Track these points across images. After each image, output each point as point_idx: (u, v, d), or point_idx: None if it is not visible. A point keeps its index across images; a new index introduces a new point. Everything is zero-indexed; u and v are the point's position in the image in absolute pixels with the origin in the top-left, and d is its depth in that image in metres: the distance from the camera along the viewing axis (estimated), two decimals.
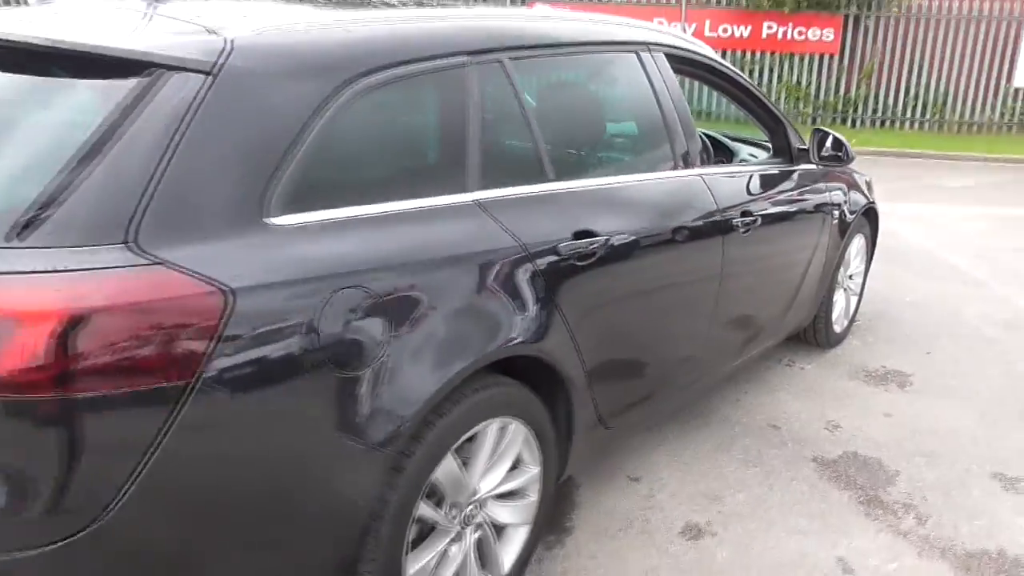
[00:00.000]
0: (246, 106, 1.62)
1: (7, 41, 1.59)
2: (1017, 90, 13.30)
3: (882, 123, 13.67)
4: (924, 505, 2.83)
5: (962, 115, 13.47)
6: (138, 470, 1.42)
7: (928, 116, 13.49)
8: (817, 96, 13.69)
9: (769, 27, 13.43)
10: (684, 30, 13.32)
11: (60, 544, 1.39)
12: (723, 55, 13.49)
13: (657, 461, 3.04)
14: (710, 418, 3.39)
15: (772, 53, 13.58)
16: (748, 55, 13.67)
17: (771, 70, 13.64)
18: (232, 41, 1.66)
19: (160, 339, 1.41)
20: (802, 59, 13.55)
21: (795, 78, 13.64)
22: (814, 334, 4.09)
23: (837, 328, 4.20)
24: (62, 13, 1.97)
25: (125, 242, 1.43)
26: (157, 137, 1.51)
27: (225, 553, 1.60)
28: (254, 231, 1.58)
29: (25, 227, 1.42)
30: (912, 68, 13.40)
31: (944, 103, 13.41)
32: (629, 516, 2.70)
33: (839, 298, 4.16)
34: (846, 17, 13.23)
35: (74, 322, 1.35)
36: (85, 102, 1.60)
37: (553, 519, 2.60)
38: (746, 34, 13.56)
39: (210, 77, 1.59)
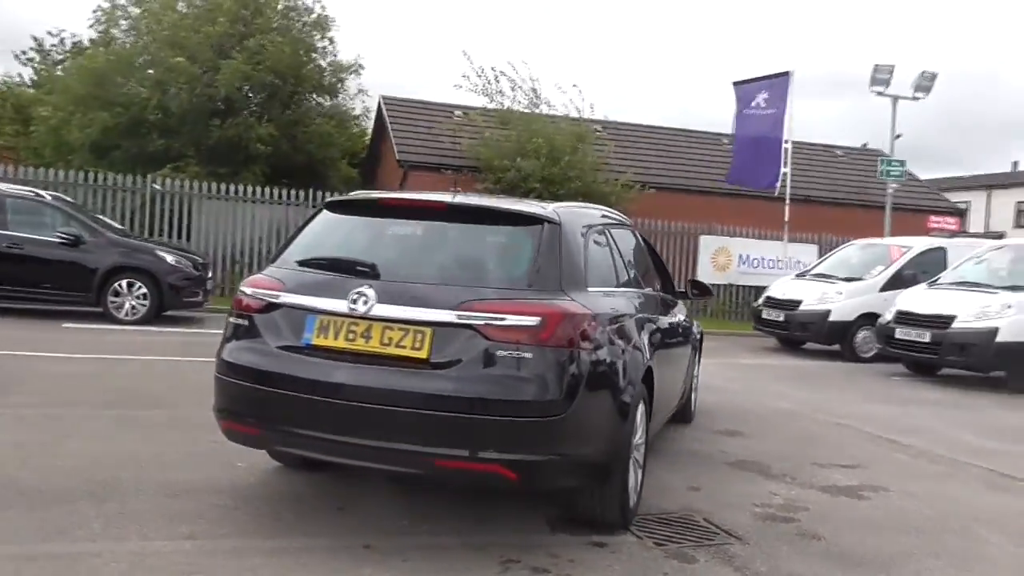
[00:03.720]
0: (567, 238, 3.68)
1: (480, 206, 3.65)
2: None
3: None
4: (792, 474, 5.20)
5: None
6: (579, 384, 3.30)
7: None
8: None
9: None
10: None
11: (560, 416, 3.22)
12: None
13: (654, 470, 5.08)
14: (658, 454, 5.54)
15: None
16: None
17: None
18: (556, 211, 3.75)
19: (573, 327, 3.35)
20: None
21: None
22: (682, 413, 6.48)
23: (692, 409, 6.67)
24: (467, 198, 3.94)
25: (561, 291, 3.41)
26: (552, 249, 3.54)
27: (603, 423, 3.50)
28: (584, 291, 3.60)
29: (528, 285, 3.39)
30: None
31: None
32: (654, 485, 4.71)
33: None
34: None
35: (556, 319, 3.28)
36: (520, 232, 3.62)
37: None
38: None
39: (556, 225, 3.65)
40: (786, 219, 15.83)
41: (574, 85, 34.53)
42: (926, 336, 10.14)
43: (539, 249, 3.54)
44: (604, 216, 4.61)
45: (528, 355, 3.22)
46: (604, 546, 3.68)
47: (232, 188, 15.59)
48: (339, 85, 20.57)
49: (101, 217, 11.92)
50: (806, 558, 3.73)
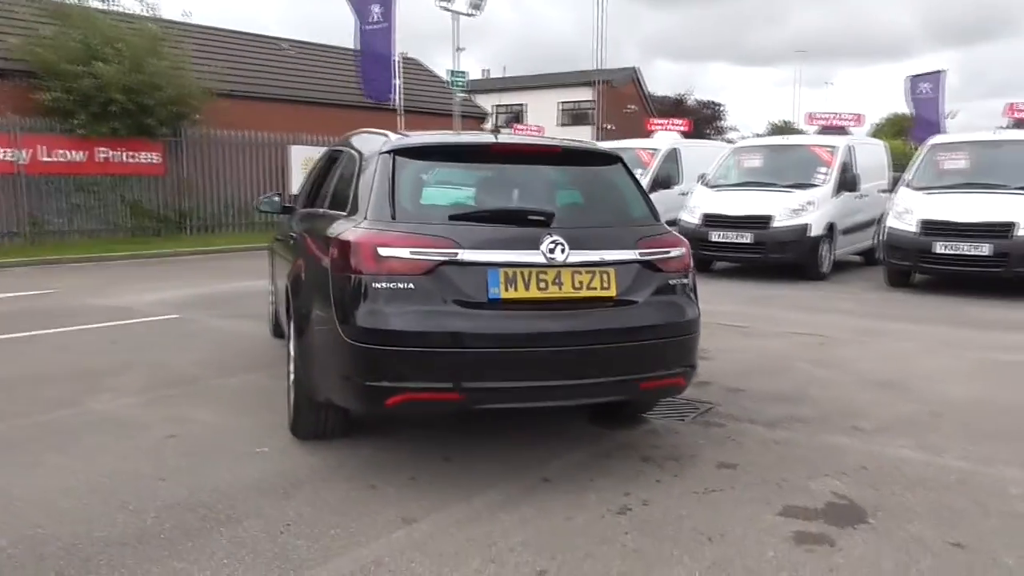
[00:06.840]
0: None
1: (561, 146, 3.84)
2: (293, 195, 17.88)
3: (208, 228, 16.43)
4: None
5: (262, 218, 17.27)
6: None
7: (242, 220, 16.87)
8: (156, 211, 15.54)
9: (102, 152, 14.63)
10: (19, 159, 13.46)
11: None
12: (62, 180, 14.16)
13: None
14: None
15: (111, 176, 14.81)
16: (87, 178, 14.52)
17: (113, 190, 14.86)
18: (610, 149, 4.09)
19: (678, 257, 3.85)
20: (139, 180, 15.21)
21: (136, 196, 15.20)
22: None
23: None
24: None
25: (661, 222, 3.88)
26: (641, 185, 3.93)
27: None
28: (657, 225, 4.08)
29: (655, 219, 3.78)
30: (223, 182, 16.58)
31: (248, 209, 16.94)
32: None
33: None
34: (166, 142, 15.50)
35: (686, 246, 3.78)
36: (615, 171, 3.91)
37: None
38: (83, 158, 14.43)
39: (620, 162, 4.03)
40: (401, 129, 16.56)
41: None
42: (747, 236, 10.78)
43: (638, 186, 3.91)
44: None
45: (685, 281, 3.68)
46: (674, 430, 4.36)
47: None
48: None
49: None
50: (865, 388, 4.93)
